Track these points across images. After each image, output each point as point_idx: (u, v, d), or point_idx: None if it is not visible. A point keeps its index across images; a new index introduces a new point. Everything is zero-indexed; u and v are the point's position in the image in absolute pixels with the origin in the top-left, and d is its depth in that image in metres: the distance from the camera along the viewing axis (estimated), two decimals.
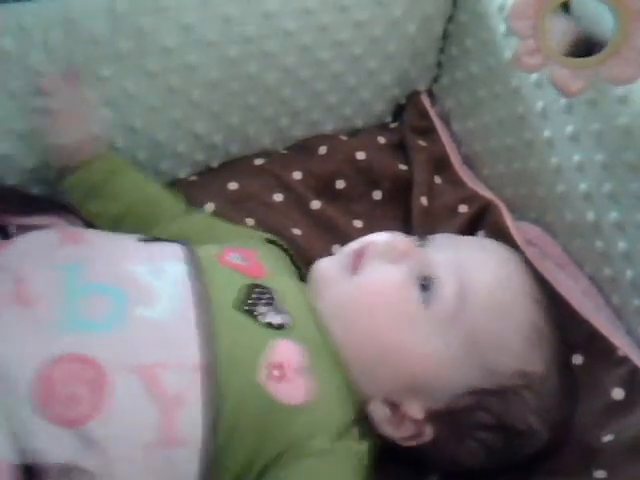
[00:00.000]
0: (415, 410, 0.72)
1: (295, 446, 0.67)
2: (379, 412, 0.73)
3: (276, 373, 0.67)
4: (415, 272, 0.74)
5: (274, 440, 0.67)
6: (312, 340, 0.71)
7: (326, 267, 0.78)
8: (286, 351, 0.69)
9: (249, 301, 0.71)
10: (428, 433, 0.73)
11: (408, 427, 0.73)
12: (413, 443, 0.73)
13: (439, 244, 0.79)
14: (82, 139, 0.84)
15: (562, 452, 0.78)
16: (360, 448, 0.71)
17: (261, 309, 0.70)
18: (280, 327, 0.70)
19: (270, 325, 0.70)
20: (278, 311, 0.71)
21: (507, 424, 0.73)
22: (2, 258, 0.71)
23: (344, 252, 0.80)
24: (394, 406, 0.73)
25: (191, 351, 0.66)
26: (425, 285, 0.73)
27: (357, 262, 0.76)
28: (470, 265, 0.75)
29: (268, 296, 0.72)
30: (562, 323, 0.79)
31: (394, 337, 0.72)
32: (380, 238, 0.78)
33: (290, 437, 0.67)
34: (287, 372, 0.68)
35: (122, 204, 0.85)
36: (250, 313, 0.70)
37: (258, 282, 0.73)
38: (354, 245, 0.79)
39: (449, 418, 0.72)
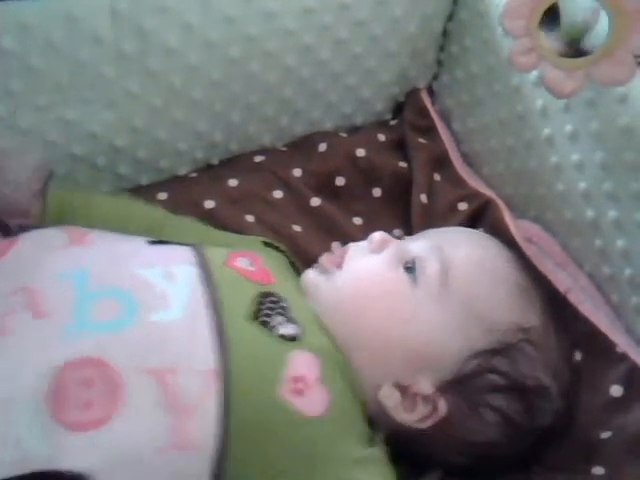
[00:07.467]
0: (425, 386, 0.73)
1: (330, 459, 0.67)
2: (391, 398, 0.73)
3: (300, 386, 0.67)
4: (397, 257, 0.77)
5: (301, 453, 0.66)
6: (322, 348, 0.72)
7: (313, 273, 0.80)
8: (305, 363, 0.69)
9: (264, 311, 0.70)
10: (442, 407, 0.73)
11: (422, 407, 0.73)
12: (430, 422, 0.73)
13: (417, 236, 0.82)
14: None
15: (561, 448, 0.78)
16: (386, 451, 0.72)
17: (276, 319, 0.70)
18: (294, 338, 0.70)
19: (284, 337, 0.69)
20: (291, 321, 0.71)
21: (516, 382, 0.73)
22: (5, 262, 0.70)
23: (325, 258, 0.82)
24: (404, 389, 0.74)
25: (205, 356, 0.65)
26: (409, 267, 0.76)
27: (340, 260, 0.79)
28: (449, 244, 0.78)
29: (281, 305, 0.72)
30: (561, 320, 0.80)
31: (391, 319, 0.74)
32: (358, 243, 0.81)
33: (318, 449, 0.67)
34: (309, 384, 0.68)
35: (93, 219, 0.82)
36: (265, 324, 0.69)
37: (269, 290, 0.73)
38: (335, 251, 0.82)
39: (460, 386, 0.73)
